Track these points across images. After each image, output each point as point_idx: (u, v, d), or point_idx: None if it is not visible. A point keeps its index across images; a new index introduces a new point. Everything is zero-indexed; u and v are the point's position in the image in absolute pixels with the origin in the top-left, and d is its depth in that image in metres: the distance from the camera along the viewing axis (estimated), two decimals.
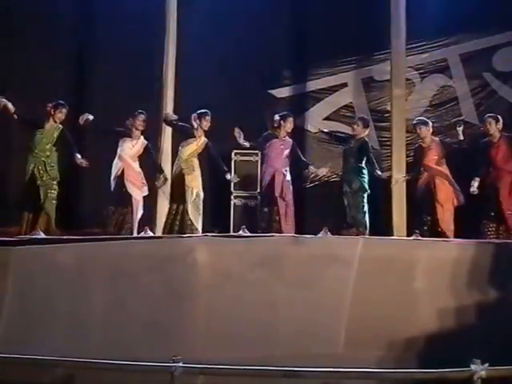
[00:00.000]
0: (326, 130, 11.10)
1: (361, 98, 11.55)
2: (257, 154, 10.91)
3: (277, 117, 10.07)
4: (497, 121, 9.66)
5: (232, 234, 8.76)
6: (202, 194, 9.83)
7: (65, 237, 8.47)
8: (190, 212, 9.69)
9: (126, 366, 6.43)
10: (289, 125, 10.06)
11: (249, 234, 8.69)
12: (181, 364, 6.04)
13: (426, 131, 9.81)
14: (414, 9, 10.44)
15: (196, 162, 9.88)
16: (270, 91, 11.61)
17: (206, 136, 9.88)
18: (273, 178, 10.01)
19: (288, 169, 10.07)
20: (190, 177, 9.79)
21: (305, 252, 8.11)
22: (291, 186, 10.06)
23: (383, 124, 10.68)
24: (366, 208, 9.92)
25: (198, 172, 9.87)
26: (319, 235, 8.85)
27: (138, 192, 9.73)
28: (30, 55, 11.12)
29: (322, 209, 10.55)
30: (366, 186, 9.92)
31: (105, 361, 6.43)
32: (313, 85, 11.64)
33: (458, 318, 8.04)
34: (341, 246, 8.29)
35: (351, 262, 8.06)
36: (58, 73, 11.09)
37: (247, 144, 10.00)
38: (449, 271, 8.11)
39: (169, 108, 10.37)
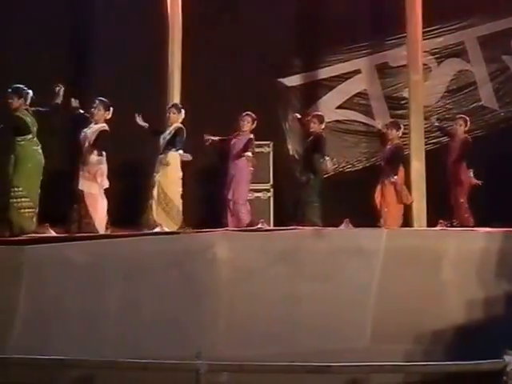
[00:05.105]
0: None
1: (375, 85, 11.26)
2: (268, 145, 10.59)
3: None
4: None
5: (251, 228, 8.54)
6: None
7: (77, 234, 8.31)
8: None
9: (151, 365, 6.33)
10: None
11: (268, 228, 8.53)
12: (206, 361, 5.94)
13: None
14: None
15: None
16: (280, 79, 11.33)
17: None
18: None
19: None
20: None
21: (327, 245, 7.96)
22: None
23: (400, 112, 10.40)
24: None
25: None
26: (340, 227, 8.70)
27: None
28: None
29: (340, 200, 10.25)
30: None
31: (128, 360, 6.29)
32: (325, 72, 11.35)
33: (488, 309, 7.93)
34: (364, 237, 8.14)
35: (375, 254, 7.93)
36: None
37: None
38: (477, 261, 7.99)
39: (175, 97, 10.00)
